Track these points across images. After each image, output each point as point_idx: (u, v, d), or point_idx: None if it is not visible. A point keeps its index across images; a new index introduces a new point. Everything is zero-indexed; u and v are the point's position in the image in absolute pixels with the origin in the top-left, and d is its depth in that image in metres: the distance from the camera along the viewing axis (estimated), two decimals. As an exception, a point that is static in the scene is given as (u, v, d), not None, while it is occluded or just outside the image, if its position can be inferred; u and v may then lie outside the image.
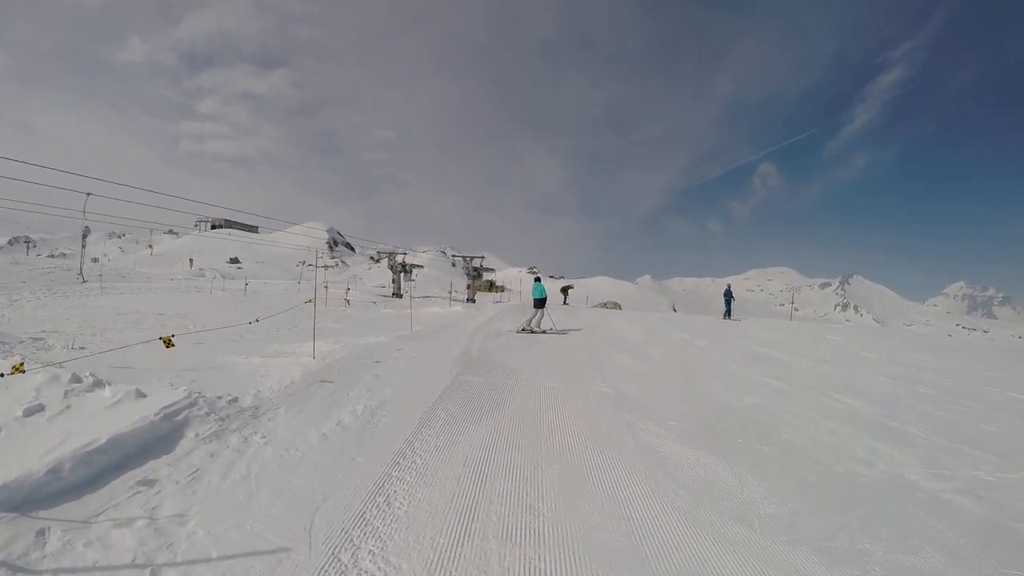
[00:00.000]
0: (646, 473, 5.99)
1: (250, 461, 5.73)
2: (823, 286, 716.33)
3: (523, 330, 18.41)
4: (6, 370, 8.31)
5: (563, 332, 18.66)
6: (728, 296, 31.75)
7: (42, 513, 4.50)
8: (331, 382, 9.30)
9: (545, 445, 6.74)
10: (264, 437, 6.43)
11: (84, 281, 30.77)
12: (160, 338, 7.61)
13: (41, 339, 13.06)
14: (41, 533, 4.22)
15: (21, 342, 12.22)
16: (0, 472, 4.74)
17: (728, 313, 30.85)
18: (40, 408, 6.41)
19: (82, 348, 12.50)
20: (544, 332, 18.34)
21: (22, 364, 5.89)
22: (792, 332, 22.01)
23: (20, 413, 6.19)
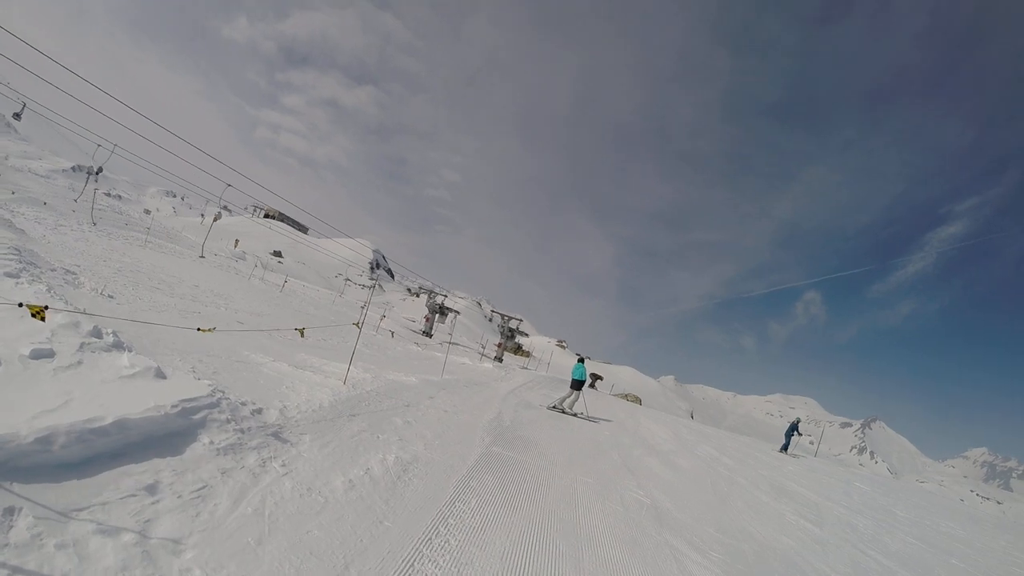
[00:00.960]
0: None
1: (265, 492, 4.84)
2: (844, 425, 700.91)
3: (554, 408, 17.54)
4: (27, 301, 7.67)
5: (593, 420, 17.70)
6: (793, 430, 29.35)
7: (17, 487, 3.70)
8: (360, 417, 8.43)
9: (588, 554, 5.85)
10: (284, 466, 5.53)
11: (202, 257, 30.77)
12: (199, 328, 6.82)
13: (74, 274, 12.46)
14: (9, 512, 3.44)
15: (53, 270, 11.63)
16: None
17: (786, 447, 28.50)
18: (50, 354, 5.65)
19: (111, 296, 11.87)
20: (576, 415, 17.45)
21: (45, 309, 5.10)
22: (820, 471, 21.08)
23: (27, 352, 5.45)
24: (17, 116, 24.13)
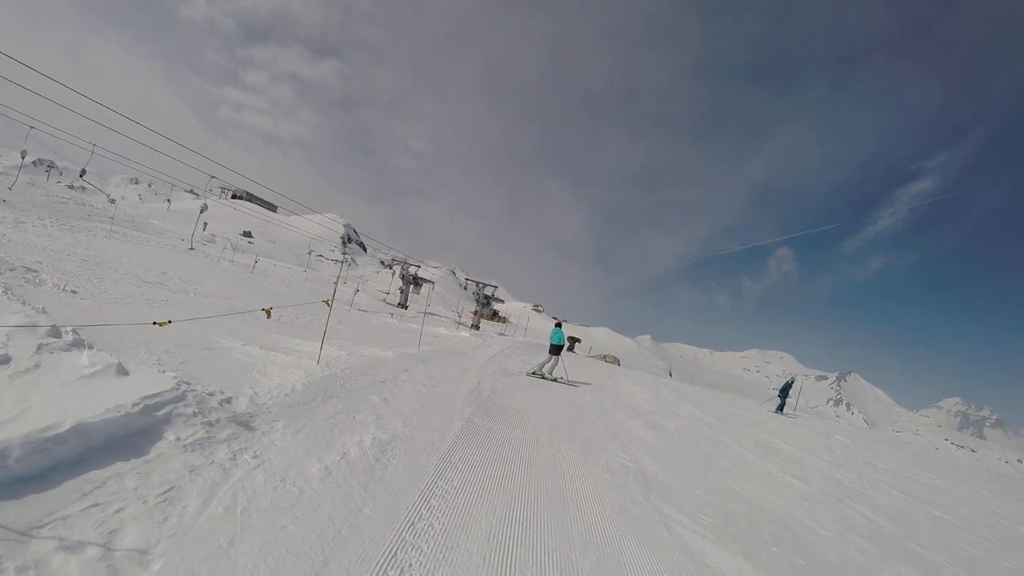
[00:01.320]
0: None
1: (237, 488, 4.66)
2: (819, 378, 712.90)
3: (534, 374, 17.60)
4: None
5: (574, 384, 17.79)
6: (787, 390, 28.46)
7: (-30, 509, 3.48)
8: (336, 398, 8.25)
9: (576, 526, 5.74)
10: (257, 457, 5.34)
11: (192, 248, 30.00)
12: (155, 323, 6.58)
13: (35, 271, 12.11)
14: (-35, 540, 3.20)
15: (12, 269, 11.28)
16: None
17: (781, 407, 27.79)
18: (5, 360, 5.42)
19: (74, 292, 11.56)
20: (555, 380, 17.52)
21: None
22: (800, 426, 21.70)
23: None
24: None
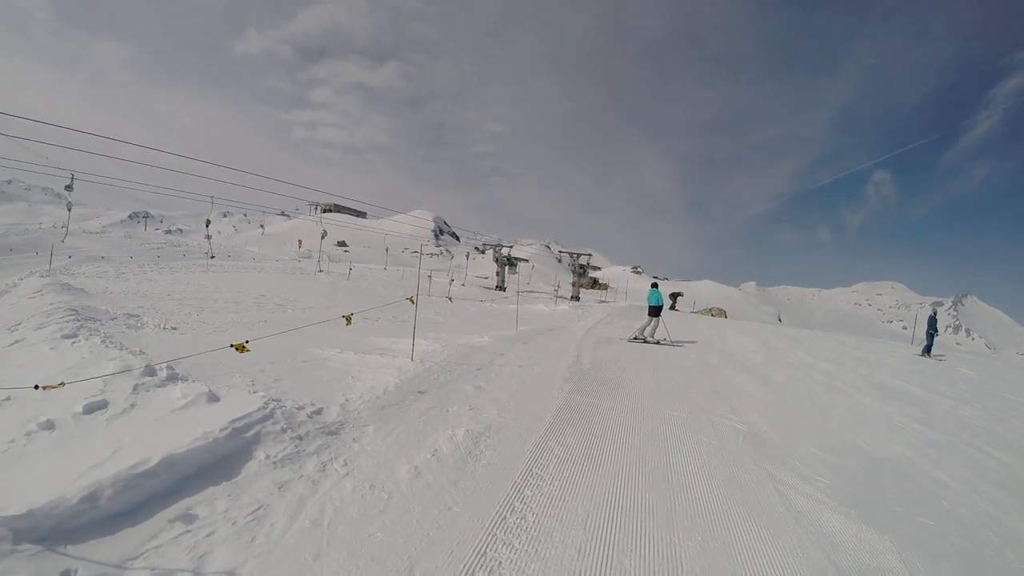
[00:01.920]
0: (804, 557, 4.65)
1: (324, 499, 4.64)
2: (935, 305, 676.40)
3: (635, 339, 17.12)
4: (82, 356, 7.77)
5: (677, 343, 17.22)
6: (933, 326, 23.21)
7: (70, 549, 3.63)
8: (429, 393, 8.22)
9: (680, 504, 5.37)
10: (346, 465, 5.34)
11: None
12: (232, 345, 6.68)
13: (136, 316, 12.66)
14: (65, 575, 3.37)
15: (113, 319, 11.80)
16: (31, 492, 3.93)
17: (929, 348, 22.45)
18: (103, 405, 5.68)
19: (174, 328, 12.01)
20: (658, 343, 16.97)
21: (60, 384, 5.04)
22: (921, 361, 19.72)
23: (80, 409, 5.52)
24: (69, 188, 25.18)
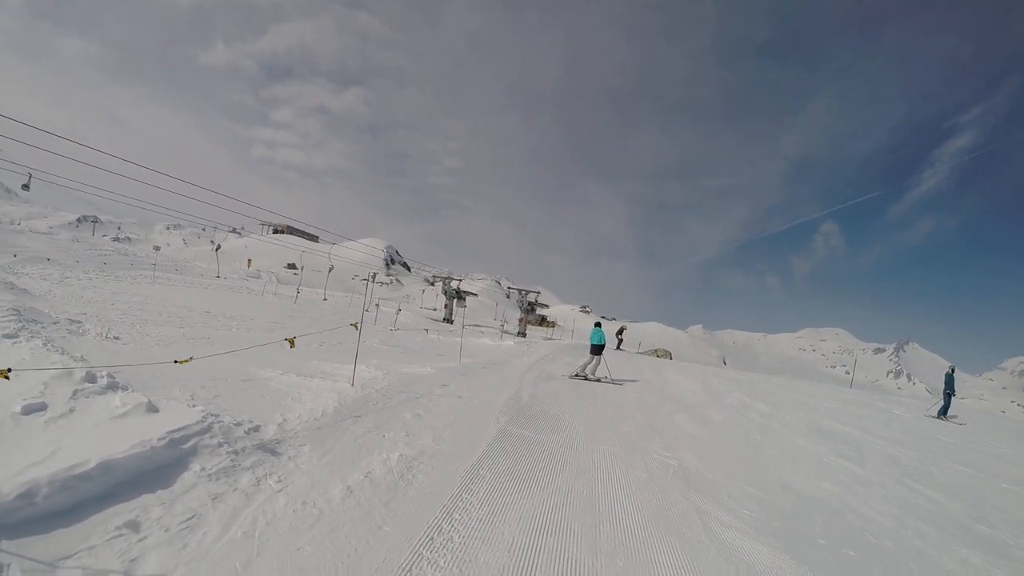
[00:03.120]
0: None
1: (257, 512, 4.78)
2: (877, 351, 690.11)
3: (577, 376, 17.45)
4: (24, 358, 7.74)
5: (618, 382, 17.52)
6: (950, 384, 20.95)
7: (4, 544, 3.72)
8: (366, 418, 8.36)
9: (605, 531, 5.62)
10: (280, 482, 5.48)
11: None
12: (175, 360, 6.79)
13: (79, 323, 12.53)
14: (-2, 571, 3.38)
15: (55, 323, 11.69)
16: (-34, 487, 3.96)
17: (945, 410, 20.20)
18: (42, 407, 5.71)
19: (116, 338, 11.92)
20: (599, 380, 17.31)
21: (8, 371, 5.08)
22: (857, 404, 20.45)
23: (18, 409, 5.54)
24: (26, 187, 24.74)
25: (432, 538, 4.89)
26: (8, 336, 8.83)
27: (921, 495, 8.78)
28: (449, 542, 4.88)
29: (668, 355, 53.26)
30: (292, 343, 9.37)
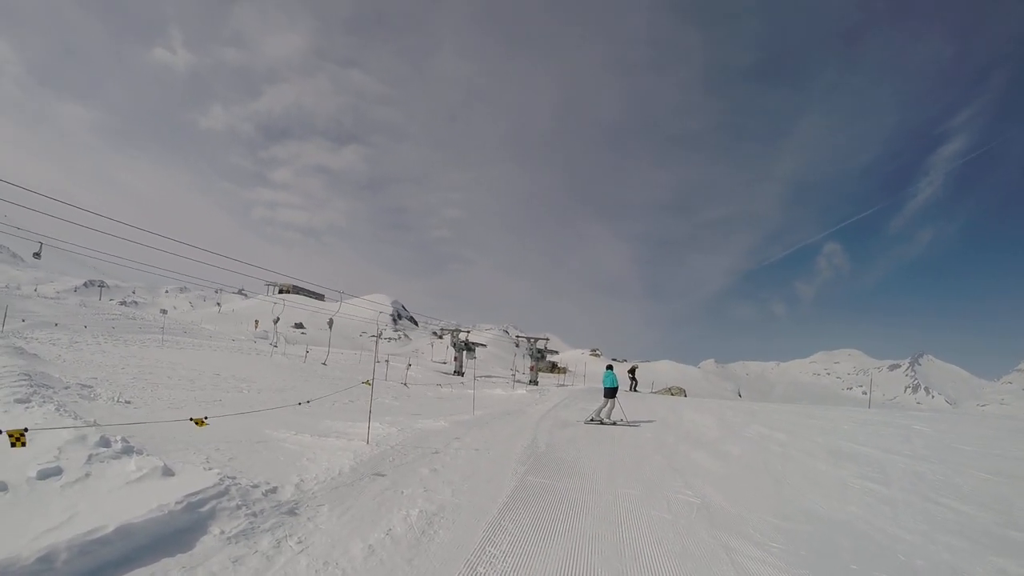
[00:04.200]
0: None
1: (279, 574, 4.68)
2: (892, 368, 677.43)
3: (592, 421, 17.15)
4: (36, 424, 7.69)
5: (634, 424, 17.24)
6: None
7: (23, 608, 3.62)
8: (384, 475, 8.25)
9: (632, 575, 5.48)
10: (300, 543, 5.37)
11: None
12: (192, 419, 6.74)
13: (90, 387, 12.53)
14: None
15: (67, 388, 11.67)
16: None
17: None
18: (57, 472, 5.66)
19: (128, 402, 11.88)
20: (615, 424, 17.03)
21: (23, 432, 5.03)
22: (876, 423, 19.81)
23: (34, 474, 5.49)
24: (37, 255, 24.96)
25: (458, 595, 4.76)
26: (20, 401, 8.82)
27: (949, 508, 8.57)
28: (476, 597, 4.75)
29: (682, 392, 52.71)
30: (306, 403, 9.32)
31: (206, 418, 6.76)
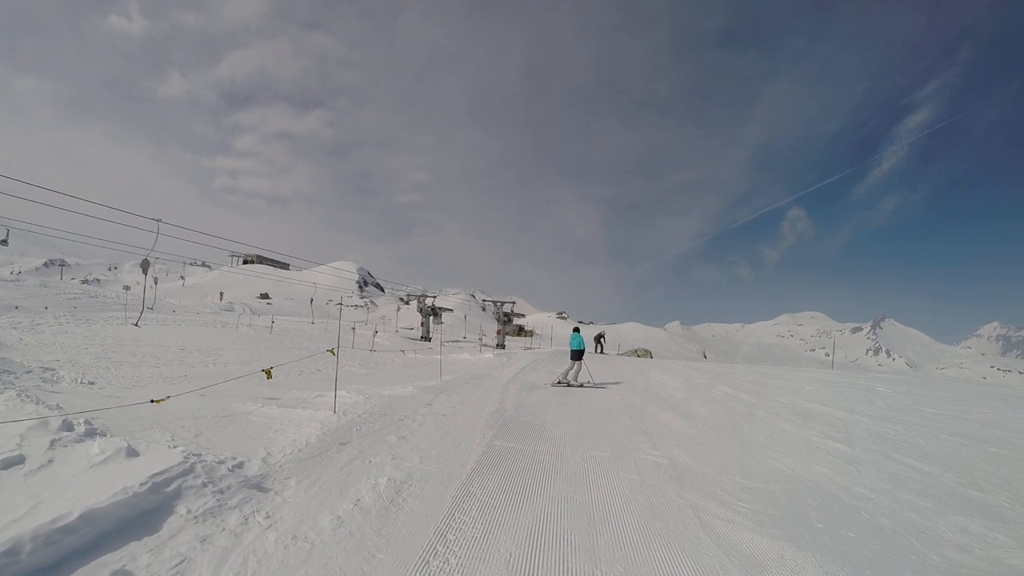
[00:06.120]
0: (725, 577, 4.93)
1: (248, 551, 4.72)
2: (854, 331, 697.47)
3: (559, 383, 17.37)
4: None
5: (601, 386, 17.52)
6: None
7: (-12, 606, 3.62)
8: (351, 444, 8.29)
9: (602, 537, 5.61)
10: (268, 517, 5.41)
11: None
12: (152, 400, 6.71)
13: (52, 369, 12.35)
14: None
15: (28, 372, 11.50)
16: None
17: None
18: (19, 460, 5.60)
19: (91, 383, 11.76)
20: (582, 386, 17.29)
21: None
22: (839, 384, 20.44)
23: None
24: (4, 242, 24.34)
25: (428, 561, 4.84)
26: (-21, 390, 8.68)
27: (912, 468, 8.87)
28: (445, 564, 4.83)
29: (648, 354, 53.35)
30: (269, 374, 9.29)
31: (167, 397, 6.73)
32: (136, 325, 24.29)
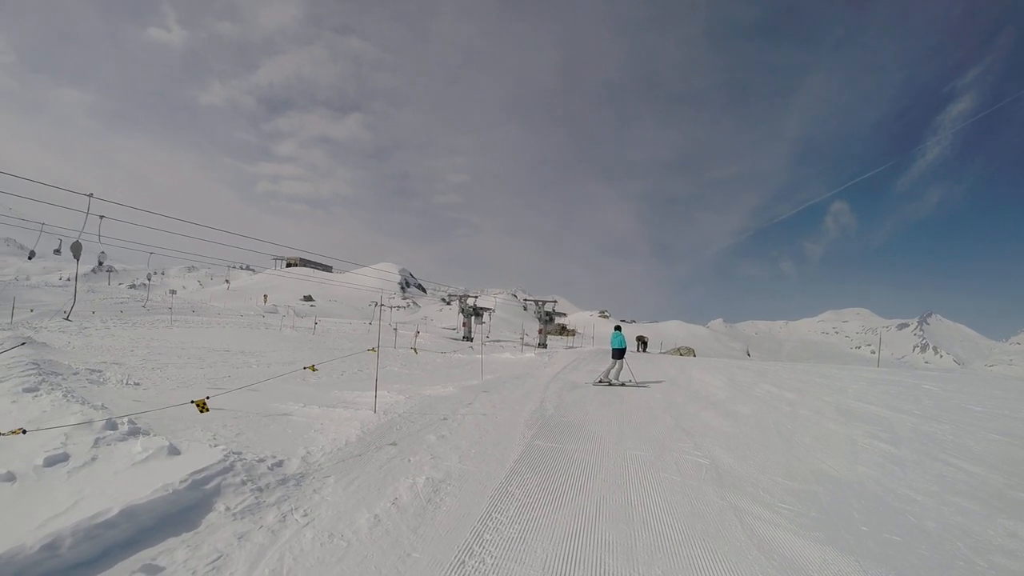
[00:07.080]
0: (768, 583, 4.77)
1: (284, 549, 4.70)
2: (900, 327, 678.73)
3: (601, 382, 17.18)
4: (44, 411, 7.75)
5: (643, 385, 17.30)
6: None
7: (28, 599, 3.64)
8: (391, 444, 8.27)
9: (640, 539, 5.45)
10: (306, 515, 5.41)
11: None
12: (193, 402, 6.77)
13: (99, 371, 12.60)
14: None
15: (76, 374, 11.72)
16: (-8, 540, 3.92)
17: None
18: (64, 458, 5.70)
19: (137, 384, 11.95)
20: (623, 385, 17.09)
21: (22, 431, 5.08)
22: (885, 382, 19.88)
23: (40, 462, 5.53)
24: (57, 252, 25.02)
25: (463, 561, 4.77)
26: (28, 390, 8.85)
27: (960, 469, 8.54)
28: (481, 564, 4.75)
29: (691, 352, 52.79)
30: (313, 368, 9.34)
31: (207, 397, 6.79)
32: (67, 319, 24.49)
